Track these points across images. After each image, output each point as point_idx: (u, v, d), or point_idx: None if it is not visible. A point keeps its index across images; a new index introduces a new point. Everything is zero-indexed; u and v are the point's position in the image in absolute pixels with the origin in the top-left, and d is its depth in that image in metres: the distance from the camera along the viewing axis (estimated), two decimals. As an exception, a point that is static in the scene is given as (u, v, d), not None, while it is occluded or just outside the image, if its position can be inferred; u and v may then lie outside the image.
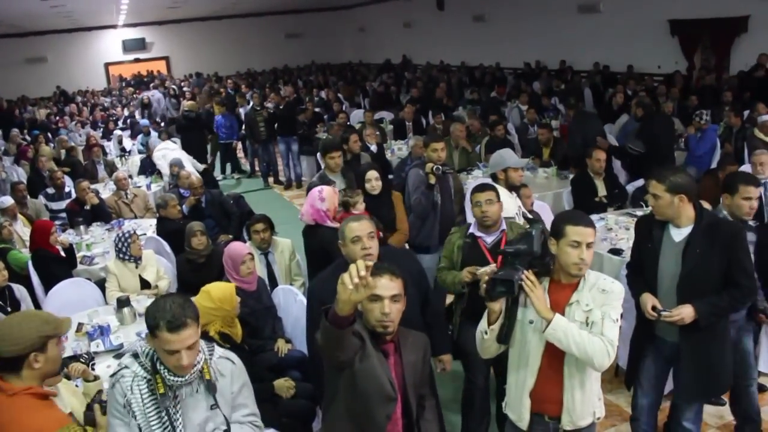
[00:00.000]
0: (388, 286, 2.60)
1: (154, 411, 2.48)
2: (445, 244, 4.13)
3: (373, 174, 5.23)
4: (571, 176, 7.41)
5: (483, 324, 2.87)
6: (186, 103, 13.06)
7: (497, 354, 3.01)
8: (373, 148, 8.79)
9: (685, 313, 3.24)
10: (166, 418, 2.50)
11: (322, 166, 9.76)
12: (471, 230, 3.98)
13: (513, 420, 3.04)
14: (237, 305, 3.93)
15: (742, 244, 3.38)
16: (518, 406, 2.98)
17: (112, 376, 2.56)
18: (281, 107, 11.86)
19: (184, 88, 18.66)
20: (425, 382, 2.91)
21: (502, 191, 4.65)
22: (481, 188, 3.97)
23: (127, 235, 5.54)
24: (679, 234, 3.36)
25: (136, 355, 2.54)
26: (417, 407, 2.80)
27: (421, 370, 2.81)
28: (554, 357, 2.84)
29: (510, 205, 4.47)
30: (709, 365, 3.43)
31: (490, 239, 3.90)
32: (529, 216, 4.85)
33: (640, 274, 3.51)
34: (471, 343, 3.97)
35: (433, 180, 5.26)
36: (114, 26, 24.63)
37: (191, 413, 2.56)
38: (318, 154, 7.31)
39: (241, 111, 13.51)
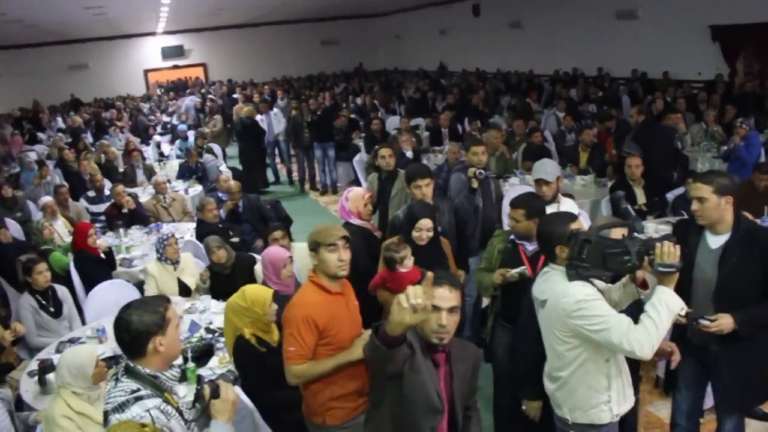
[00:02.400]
0: (447, 297, 2.57)
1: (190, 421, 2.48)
2: (487, 246, 4.18)
3: (426, 223, 4.22)
4: (610, 184, 7.30)
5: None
6: (243, 110, 13.11)
7: None
8: (409, 154, 8.79)
9: (725, 324, 3.18)
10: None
11: (359, 173, 9.93)
12: (512, 236, 3.96)
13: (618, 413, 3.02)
14: (271, 311, 3.93)
15: None
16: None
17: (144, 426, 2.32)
18: (318, 113, 11.87)
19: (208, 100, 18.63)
20: (472, 394, 2.89)
21: (568, 202, 4.60)
22: (513, 204, 3.97)
23: (164, 237, 5.63)
24: (716, 241, 3.32)
25: (138, 398, 2.31)
26: (463, 419, 2.78)
27: (470, 381, 2.80)
28: None
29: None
30: (748, 376, 3.36)
31: (531, 247, 3.88)
32: None
33: None
34: (502, 347, 3.99)
35: (475, 184, 5.25)
36: (153, 33, 25.01)
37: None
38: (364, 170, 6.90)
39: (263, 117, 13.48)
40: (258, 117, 12.59)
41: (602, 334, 2.74)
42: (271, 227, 5.58)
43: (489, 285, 3.94)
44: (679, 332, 3.51)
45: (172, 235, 5.69)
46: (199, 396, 2.58)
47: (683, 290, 3.30)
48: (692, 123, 10.24)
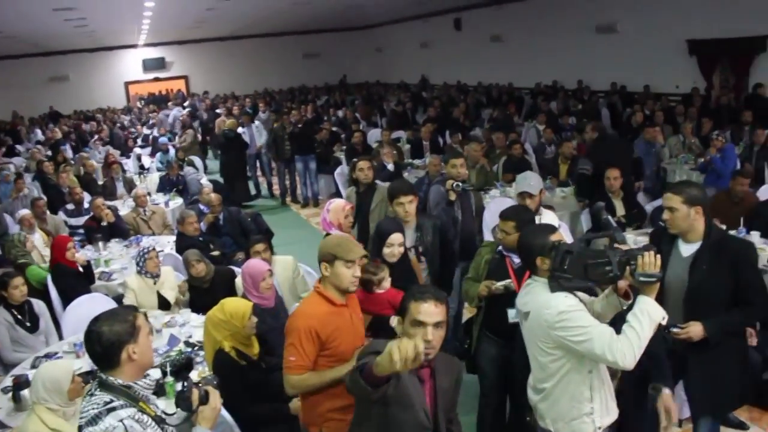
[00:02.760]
0: (433, 312, 2.56)
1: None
2: (475, 255, 4.17)
3: (397, 238, 4.21)
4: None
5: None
6: (227, 122, 13.06)
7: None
8: (390, 166, 8.82)
9: (694, 332, 3.30)
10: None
11: (340, 186, 9.93)
12: (500, 247, 3.98)
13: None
14: (249, 324, 3.91)
15: (750, 261, 3.44)
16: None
17: None
18: (300, 125, 11.86)
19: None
20: (454, 407, 2.88)
21: (549, 214, 4.64)
22: (504, 216, 3.97)
23: (144, 250, 5.58)
24: (687, 249, 3.43)
25: (111, 409, 2.29)
26: None
27: (452, 395, 2.79)
28: None
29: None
30: (716, 380, 3.43)
31: (518, 260, 3.89)
32: None
33: None
34: (487, 359, 4.00)
35: (453, 196, 5.25)
36: (134, 45, 24.94)
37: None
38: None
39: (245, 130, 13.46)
40: (240, 130, 12.57)
41: (585, 345, 2.75)
42: (252, 240, 5.54)
43: (474, 296, 3.95)
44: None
45: (153, 249, 5.65)
46: (182, 398, 2.56)
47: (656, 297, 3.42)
48: (670, 135, 10.36)
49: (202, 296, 5.40)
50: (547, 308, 2.84)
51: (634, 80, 14.47)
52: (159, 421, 2.41)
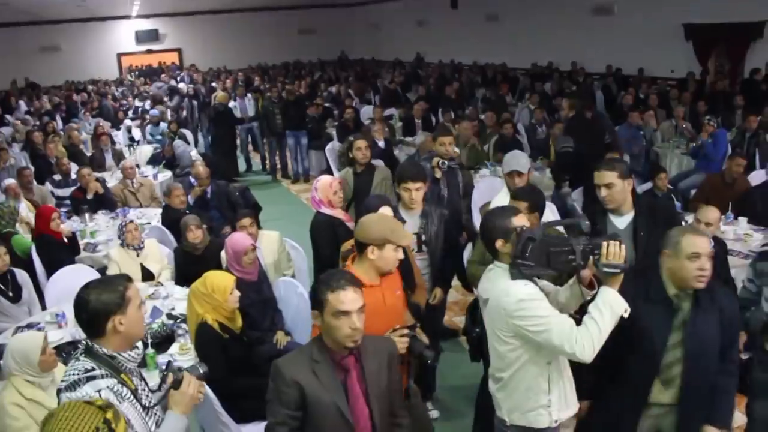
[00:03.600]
0: (354, 298, 2.51)
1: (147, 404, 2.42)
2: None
3: (384, 212, 3.88)
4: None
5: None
6: (218, 95, 12.94)
7: None
8: (381, 143, 8.76)
9: None
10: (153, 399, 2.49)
11: (331, 162, 9.86)
12: None
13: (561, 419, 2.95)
14: (232, 299, 3.90)
15: (678, 220, 3.72)
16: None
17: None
18: (291, 100, 11.77)
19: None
20: (396, 396, 2.78)
21: (503, 193, 4.60)
22: (516, 196, 3.90)
23: (123, 223, 5.56)
24: (621, 221, 3.54)
25: (91, 378, 2.27)
26: (390, 426, 2.72)
27: (387, 379, 2.68)
28: None
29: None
30: None
31: None
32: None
33: None
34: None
35: (438, 174, 5.20)
36: (127, 17, 24.59)
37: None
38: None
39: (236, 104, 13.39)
40: (232, 103, 12.47)
41: (543, 336, 2.69)
42: (239, 214, 5.48)
43: (479, 278, 3.88)
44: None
45: (131, 221, 5.62)
46: (162, 381, 2.55)
47: None
48: (663, 120, 10.33)
49: (191, 264, 5.36)
50: (506, 296, 2.77)
51: (629, 63, 14.40)
52: (137, 396, 2.38)
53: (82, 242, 6.44)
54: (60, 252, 6.01)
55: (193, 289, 4.00)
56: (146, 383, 2.53)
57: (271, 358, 4.27)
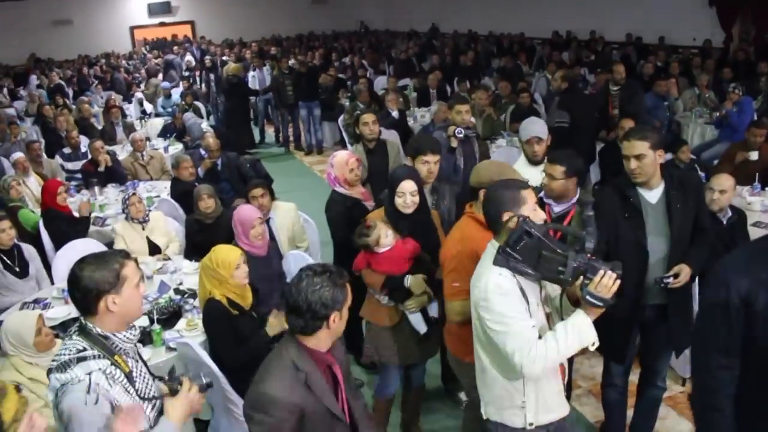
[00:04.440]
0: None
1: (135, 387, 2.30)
2: None
3: (408, 186, 3.57)
4: (600, 147, 7.13)
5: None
6: (230, 67, 12.80)
7: None
8: (395, 114, 8.58)
9: (686, 275, 3.27)
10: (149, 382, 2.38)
11: (344, 134, 9.70)
12: (540, 194, 3.79)
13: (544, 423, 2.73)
14: (237, 274, 3.77)
15: (702, 187, 3.64)
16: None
17: (89, 392, 2.13)
18: (303, 71, 11.59)
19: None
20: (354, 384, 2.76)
21: (521, 162, 4.44)
22: (553, 159, 3.81)
23: (127, 195, 5.46)
24: (652, 195, 3.34)
25: (82, 359, 2.16)
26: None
27: (347, 365, 2.63)
28: None
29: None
30: (688, 312, 3.50)
31: (558, 208, 3.77)
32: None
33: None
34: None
35: (455, 143, 4.99)
36: (140, -11, 24.48)
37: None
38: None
39: (255, 74, 13.27)
40: (251, 74, 12.31)
41: (499, 337, 2.49)
42: (251, 184, 5.25)
43: None
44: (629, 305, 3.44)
45: (134, 194, 5.51)
46: (168, 378, 2.45)
47: (637, 255, 3.31)
48: (685, 88, 10.02)
49: (202, 233, 5.29)
50: (478, 281, 2.58)
51: (649, 31, 14.03)
52: (131, 379, 2.26)
53: (91, 216, 6.34)
54: (67, 226, 5.91)
55: (202, 264, 3.90)
56: (146, 365, 2.42)
57: (280, 336, 4.19)
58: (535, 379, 2.54)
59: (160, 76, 16.01)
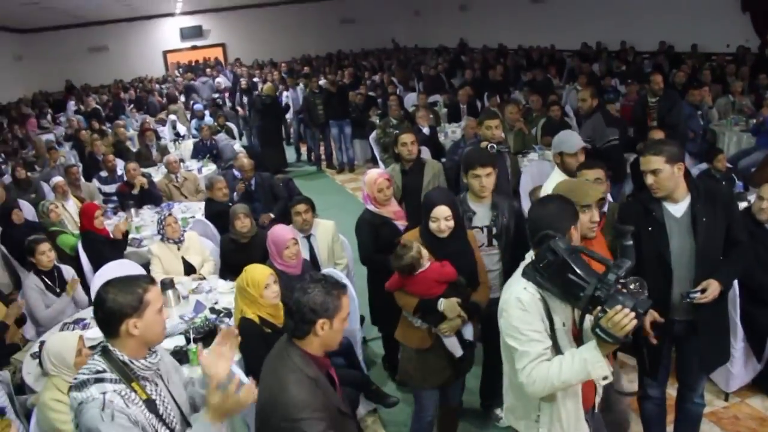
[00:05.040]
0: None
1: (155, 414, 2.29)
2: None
3: (443, 211, 3.50)
4: (632, 158, 7.04)
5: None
6: (264, 88, 12.99)
7: None
8: (426, 130, 8.59)
9: (715, 290, 3.17)
10: (170, 407, 2.37)
11: (376, 151, 9.74)
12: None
13: None
14: (267, 293, 3.82)
15: (734, 199, 3.48)
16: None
17: (103, 409, 2.14)
18: (333, 91, 11.69)
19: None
20: None
21: (556, 175, 4.41)
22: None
23: (162, 216, 5.54)
24: (677, 209, 3.26)
25: (99, 380, 2.19)
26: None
27: None
28: None
29: None
30: (721, 331, 3.44)
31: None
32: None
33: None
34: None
35: None
36: (172, 14, 24.88)
37: (173, 389, 2.43)
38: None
39: (288, 95, 13.42)
40: (285, 93, 12.43)
41: (509, 350, 2.51)
42: (295, 200, 5.27)
43: None
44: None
45: (170, 214, 5.59)
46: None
47: (661, 270, 3.25)
48: (719, 96, 9.87)
49: (237, 251, 5.36)
50: (506, 290, 2.58)
51: (681, 39, 13.84)
52: (151, 405, 2.25)
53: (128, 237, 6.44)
54: (104, 248, 6.02)
55: (237, 283, 3.96)
56: (170, 393, 2.40)
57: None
58: (530, 397, 2.53)
59: (181, 101, 16.27)
